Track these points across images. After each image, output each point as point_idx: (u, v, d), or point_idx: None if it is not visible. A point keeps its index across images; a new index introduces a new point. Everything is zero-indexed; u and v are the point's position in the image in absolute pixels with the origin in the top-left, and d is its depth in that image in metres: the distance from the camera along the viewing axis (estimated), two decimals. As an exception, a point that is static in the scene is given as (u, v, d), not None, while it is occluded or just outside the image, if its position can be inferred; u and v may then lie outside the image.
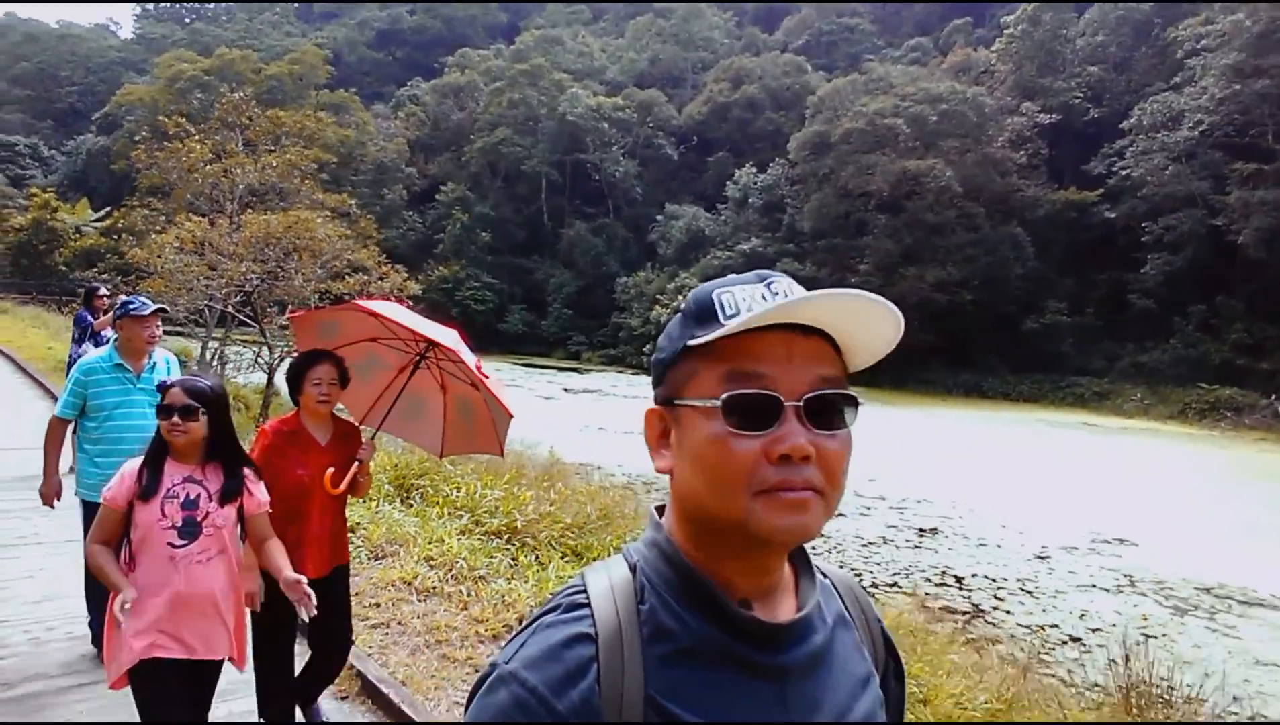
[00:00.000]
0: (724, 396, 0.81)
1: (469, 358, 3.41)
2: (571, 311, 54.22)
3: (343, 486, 3.33)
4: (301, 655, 3.56)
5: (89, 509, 4.01)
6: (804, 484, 0.79)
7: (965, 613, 8.97)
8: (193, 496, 2.82)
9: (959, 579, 10.15)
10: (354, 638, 3.85)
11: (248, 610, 3.08)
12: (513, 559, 6.15)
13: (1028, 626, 8.39)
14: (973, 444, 23.90)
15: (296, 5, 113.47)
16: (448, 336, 3.41)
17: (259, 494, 2.97)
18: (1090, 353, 40.29)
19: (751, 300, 0.83)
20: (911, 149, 41.17)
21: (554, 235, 58.49)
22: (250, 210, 15.95)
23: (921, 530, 12.55)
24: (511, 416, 3.66)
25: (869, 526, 12.47)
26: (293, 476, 3.30)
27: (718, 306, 0.84)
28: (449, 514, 7.07)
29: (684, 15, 71.36)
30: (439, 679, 4.23)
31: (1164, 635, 8.49)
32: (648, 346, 47.38)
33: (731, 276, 0.88)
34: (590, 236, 56.88)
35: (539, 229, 59.52)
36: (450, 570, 5.79)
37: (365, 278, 13.75)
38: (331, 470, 3.31)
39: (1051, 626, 8.53)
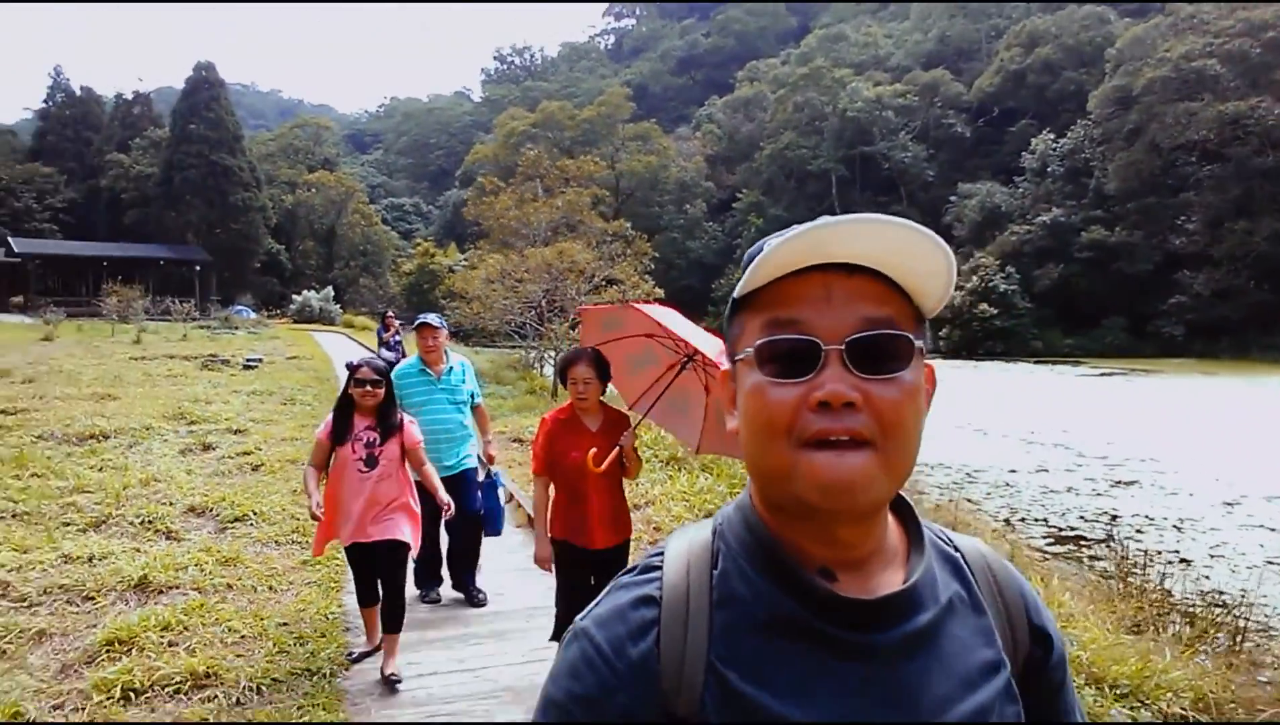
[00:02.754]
0: (757, 343, 0.76)
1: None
2: (872, 303, 54.94)
3: (604, 465, 3.57)
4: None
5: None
6: (846, 432, 0.71)
7: (1096, 540, 9.98)
8: (372, 438, 3.99)
9: (1114, 517, 10.93)
10: None
11: (417, 511, 4.16)
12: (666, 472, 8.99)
13: (1144, 550, 8.67)
14: (1265, 410, 21.81)
15: (608, 49, 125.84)
16: (711, 346, 3.55)
17: (412, 434, 4.11)
18: None
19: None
20: (1232, 89, 36.64)
21: (848, 229, 59.69)
22: (548, 244, 20.51)
23: (1118, 482, 13.06)
24: None
25: (1066, 479, 13.23)
26: (569, 458, 3.64)
27: (759, 255, 0.75)
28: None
29: (973, -16, 68.43)
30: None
31: (1291, 564, 8.89)
32: (944, 330, 46.96)
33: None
34: (885, 226, 57.29)
35: (833, 225, 61.10)
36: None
37: (621, 288, 17.36)
38: (594, 451, 3.59)
39: (1172, 551, 9.27)
